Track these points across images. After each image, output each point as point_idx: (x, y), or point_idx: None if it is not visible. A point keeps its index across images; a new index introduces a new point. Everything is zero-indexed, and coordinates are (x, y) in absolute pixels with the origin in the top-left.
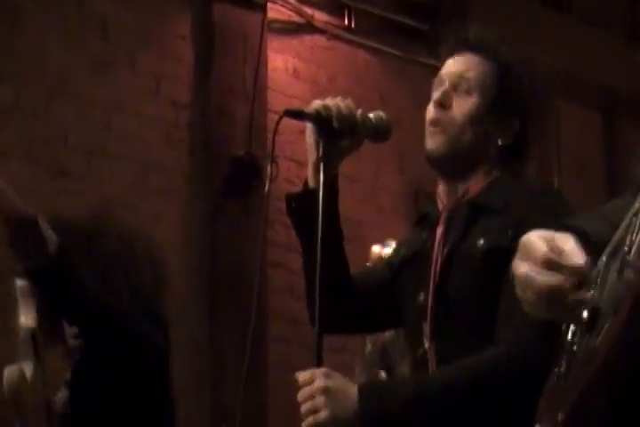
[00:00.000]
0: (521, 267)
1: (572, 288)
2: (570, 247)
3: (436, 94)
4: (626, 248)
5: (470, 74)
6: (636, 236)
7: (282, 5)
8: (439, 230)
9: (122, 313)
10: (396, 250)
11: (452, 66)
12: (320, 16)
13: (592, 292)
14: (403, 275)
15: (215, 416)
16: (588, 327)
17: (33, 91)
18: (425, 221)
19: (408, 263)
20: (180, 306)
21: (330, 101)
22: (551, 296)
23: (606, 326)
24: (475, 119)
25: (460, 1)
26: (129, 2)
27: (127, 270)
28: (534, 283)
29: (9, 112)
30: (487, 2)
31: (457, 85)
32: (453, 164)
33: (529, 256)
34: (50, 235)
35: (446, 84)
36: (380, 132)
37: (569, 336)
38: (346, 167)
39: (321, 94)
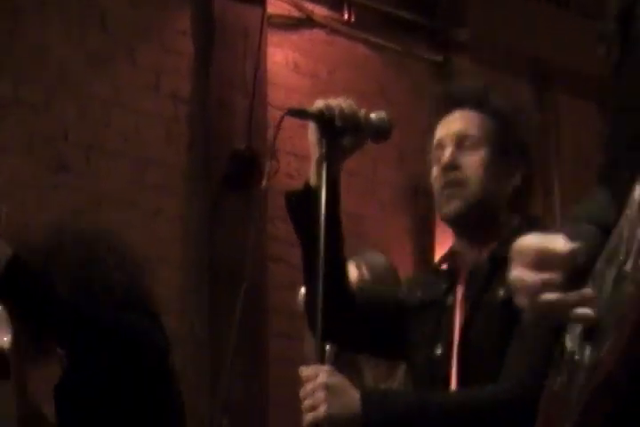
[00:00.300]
0: (514, 272)
1: (565, 281)
2: (559, 243)
3: (442, 157)
4: (621, 257)
5: (472, 130)
6: (631, 245)
7: (281, 0)
8: (460, 287)
9: (107, 315)
10: (407, 288)
11: (451, 126)
12: (320, 10)
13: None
14: (417, 320)
15: (215, 414)
16: (587, 337)
17: (32, 85)
18: (442, 270)
19: (424, 310)
20: (180, 301)
21: (333, 101)
22: (546, 295)
23: (609, 339)
24: (486, 173)
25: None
26: None
27: (104, 272)
28: (527, 284)
29: (8, 107)
30: (490, 2)
31: (461, 144)
32: (475, 222)
33: (521, 260)
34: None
35: (450, 146)
36: (381, 132)
37: (568, 344)
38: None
39: (321, 88)
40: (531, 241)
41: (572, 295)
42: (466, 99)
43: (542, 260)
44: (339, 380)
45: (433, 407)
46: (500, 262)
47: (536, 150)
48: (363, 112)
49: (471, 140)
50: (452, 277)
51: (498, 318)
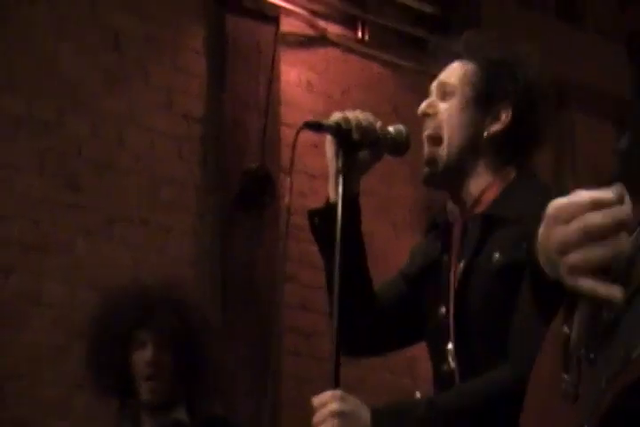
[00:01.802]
0: (564, 228)
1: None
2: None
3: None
4: None
5: (451, 79)
6: None
7: (295, 18)
8: (454, 243)
9: None
10: (410, 258)
11: (440, 77)
12: (333, 29)
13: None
14: (422, 285)
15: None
16: (601, 333)
17: (46, 103)
18: (437, 229)
19: (426, 273)
20: None
21: (350, 113)
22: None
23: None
24: (461, 117)
25: (472, 14)
26: (142, 15)
27: None
28: (598, 224)
29: (22, 124)
30: (500, 15)
31: (441, 93)
32: (454, 179)
33: (566, 216)
34: None
35: (432, 96)
36: (399, 146)
37: (573, 339)
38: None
39: (334, 107)
40: (564, 199)
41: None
42: (460, 51)
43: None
44: (350, 405)
45: (446, 412)
46: (494, 222)
47: (537, 101)
48: (380, 125)
49: (450, 88)
50: (446, 234)
51: (494, 282)
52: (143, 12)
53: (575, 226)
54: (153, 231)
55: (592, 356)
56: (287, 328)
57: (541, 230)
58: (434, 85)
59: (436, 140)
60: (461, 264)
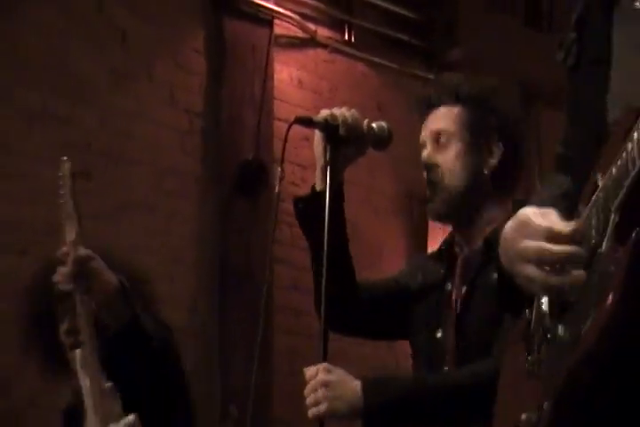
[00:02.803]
0: (525, 242)
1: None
2: (558, 219)
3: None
4: (593, 241)
5: (446, 125)
6: (602, 228)
7: (287, 22)
8: (458, 272)
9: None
10: (409, 271)
11: (429, 125)
12: (322, 31)
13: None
14: (419, 303)
15: (224, 399)
16: (557, 315)
17: (59, 99)
18: (442, 256)
19: (425, 293)
20: (193, 298)
21: (337, 111)
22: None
23: (589, 318)
24: (462, 163)
25: (451, 19)
26: (147, 17)
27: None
28: (549, 254)
29: (38, 118)
30: (475, 20)
31: (438, 141)
32: (460, 215)
33: (529, 232)
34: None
35: (429, 145)
36: (381, 140)
37: (533, 323)
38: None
39: (323, 104)
40: (538, 218)
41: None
42: (441, 96)
43: (556, 235)
44: (337, 376)
45: (433, 381)
46: (494, 247)
47: (518, 128)
48: (365, 121)
49: (446, 136)
50: (450, 263)
51: (493, 299)
52: (148, 14)
53: (533, 246)
54: (157, 217)
55: (549, 336)
56: (279, 307)
57: (508, 230)
58: (426, 135)
59: (437, 183)
60: (464, 289)
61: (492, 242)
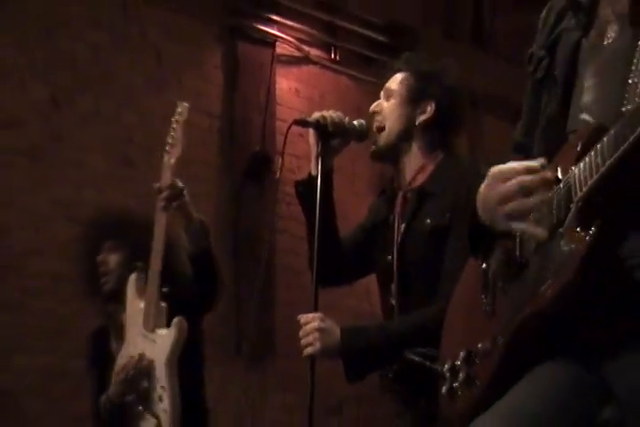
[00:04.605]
0: (503, 185)
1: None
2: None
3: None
4: (554, 221)
5: (392, 85)
6: (563, 213)
7: (286, 44)
8: (397, 210)
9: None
10: (367, 216)
11: (385, 85)
12: (314, 52)
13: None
14: (373, 235)
15: (238, 338)
16: (516, 274)
17: (107, 102)
18: (386, 195)
19: (376, 228)
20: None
21: (326, 113)
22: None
23: (547, 282)
24: (398, 112)
25: (414, 43)
26: (177, 39)
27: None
28: (529, 181)
29: (90, 117)
30: (434, 44)
31: (385, 96)
32: (391, 155)
33: (505, 175)
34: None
35: (381, 97)
36: (361, 135)
37: (490, 273)
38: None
39: (315, 108)
40: (505, 165)
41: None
42: (401, 66)
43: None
44: (327, 324)
45: (396, 328)
46: (426, 195)
47: (455, 100)
48: (347, 120)
49: (391, 93)
50: (391, 200)
51: (427, 240)
52: (178, 38)
53: (513, 182)
54: None
55: (506, 287)
56: (280, 267)
57: (482, 187)
58: (382, 91)
59: (380, 128)
60: (402, 226)
61: (425, 192)
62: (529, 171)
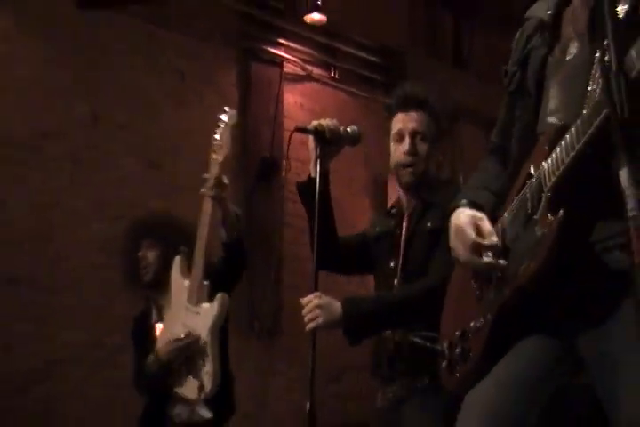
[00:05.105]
0: (458, 249)
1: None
2: (487, 227)
3: (403, 144)
4: (529, 210)
5: (422, 128)
6: (536, 202)
7: (292, 64)
8: (405, 223)
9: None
10: (371, 226)
11: (408, 124)
12: (316, 71)
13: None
14: (377, 245)
15: (250, 316)
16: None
17: (138, 115)
18: (392, 213)
19: (381, 239)
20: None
21: (323, 121)
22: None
23: (524, 264)
24: (429, 155)
25: (403, 63)
26: (198, 61)
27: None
28: (470, 262)
29: (123, 128)
30: (419, 64)
31: (415, 137)
32: (422, 186)
33: (463, 239)
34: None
35: (408, 138)
36: (354, 140)
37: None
38: (330, 164)
39: (317, 120)
40: (469, 229)
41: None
42: (415, 101)
43: (478, 247)
44: (325, 300)
45: (390, 296)
46: (430, 206)
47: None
48: (342, 127)
49: (421, 135)
50: (398, 217)
51: (427, 240)
52: (199, 59)
53: (466, 258)
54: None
55: (492, 275)
56: (286, 256)
57: (452, 230)
58: (407, 129)
59: (412, 166)
60: (408, 234)
61: (427, 202)
62: (477, 249)
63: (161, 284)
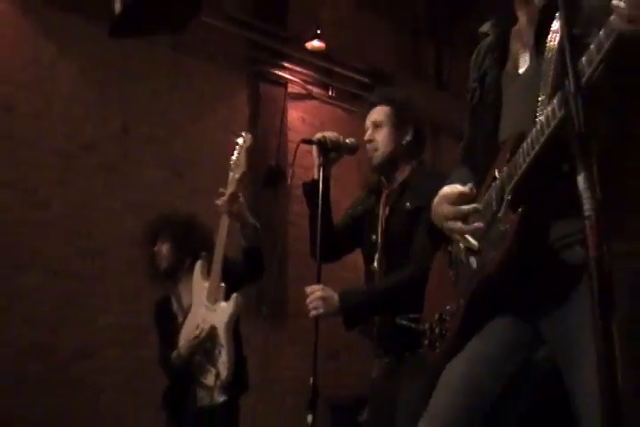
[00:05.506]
0: (447, 206)
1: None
2: (461, 191)
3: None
4: (494, 208)
5: (378, 117)
6: (499, 202)
7: (295, 84)
8: (383, 199)
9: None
10: (353, 205)
11: (370, 117)
12: (316, 90)
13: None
14: (360, 222)
15: (258, 302)
16: (471, 252)
17: (162, 129)
18: (372, 192)
19: (363, 215)
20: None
21: (325, 133)
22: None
23: (490, 255)
24: (388, 140)
25: (391, 83)
26: (214, 82)
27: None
28: (452, 227)
29: (148, 140)
30: (406, 85)
31: (375, 126)
32: (386, 169)
33: (448, 198)
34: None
35: (370, 129)
36: (352, 150)
37: (453, 252)
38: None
39: (317, 133)
40: (450, 188)
41: (472, 228)
42: (379, 100)
43: (459, 214)
44: (327, 292)
45: (378, 287)
46: (406, 188)
47: (422, 124)
48: (342, 138)
49: (379, 123)
50: (377, 197)
51: (406, 219)
52: (215, 81)
53: (452, 209)
54: (215, 200)
55: (465, 262)
56: (290, 251)
57: (434, 202)
58: (369, 123)
59: (375, 150)
60: (387, 209)
61: (405, 185)
62: (462, 196)
63: (176, 273)
